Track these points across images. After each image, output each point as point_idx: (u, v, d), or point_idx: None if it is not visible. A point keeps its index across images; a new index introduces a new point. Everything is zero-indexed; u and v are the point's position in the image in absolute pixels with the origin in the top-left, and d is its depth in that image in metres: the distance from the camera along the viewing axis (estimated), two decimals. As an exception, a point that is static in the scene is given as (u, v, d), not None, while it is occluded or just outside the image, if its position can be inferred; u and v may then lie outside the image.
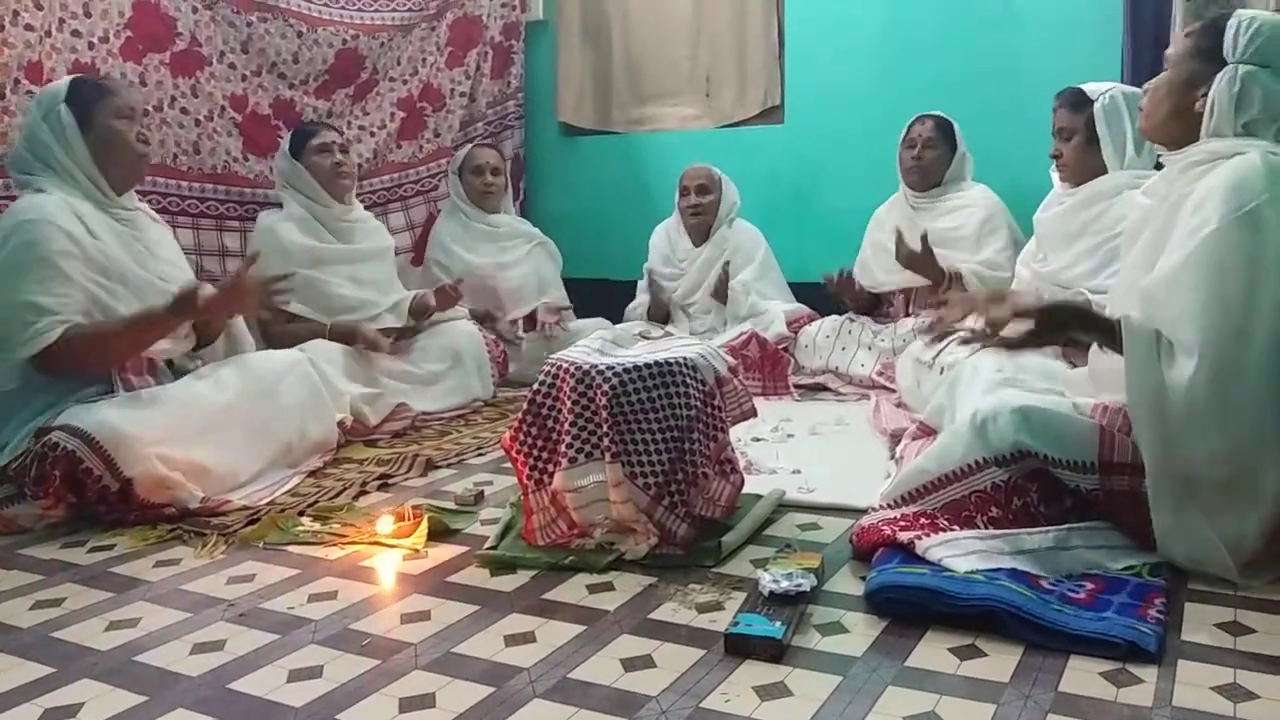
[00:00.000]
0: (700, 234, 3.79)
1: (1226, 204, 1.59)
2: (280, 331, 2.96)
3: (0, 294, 2.12)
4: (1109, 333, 1.68)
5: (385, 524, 1.98)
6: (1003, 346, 1.76)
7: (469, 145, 3.88)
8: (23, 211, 2.18)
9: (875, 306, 3.55)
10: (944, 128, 3.33)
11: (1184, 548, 1.61)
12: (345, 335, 3.01)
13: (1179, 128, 1.76)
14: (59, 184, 2.25)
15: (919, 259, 3.11)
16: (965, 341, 1.87)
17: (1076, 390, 1.93)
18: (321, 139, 3.12)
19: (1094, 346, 1.79)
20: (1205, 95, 1.70)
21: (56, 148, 2.26)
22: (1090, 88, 2.49)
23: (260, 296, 2.39)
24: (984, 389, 1.98)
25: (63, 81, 2.35)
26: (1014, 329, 1.73)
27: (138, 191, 2.75)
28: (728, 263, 3.68)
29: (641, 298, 3.87)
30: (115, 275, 2.25)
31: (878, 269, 3.44)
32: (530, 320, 3.73)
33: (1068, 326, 1.75)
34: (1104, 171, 2.45)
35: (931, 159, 3.32)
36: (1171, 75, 1.77)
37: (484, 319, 3.55)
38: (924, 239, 3.09)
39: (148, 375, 2.34)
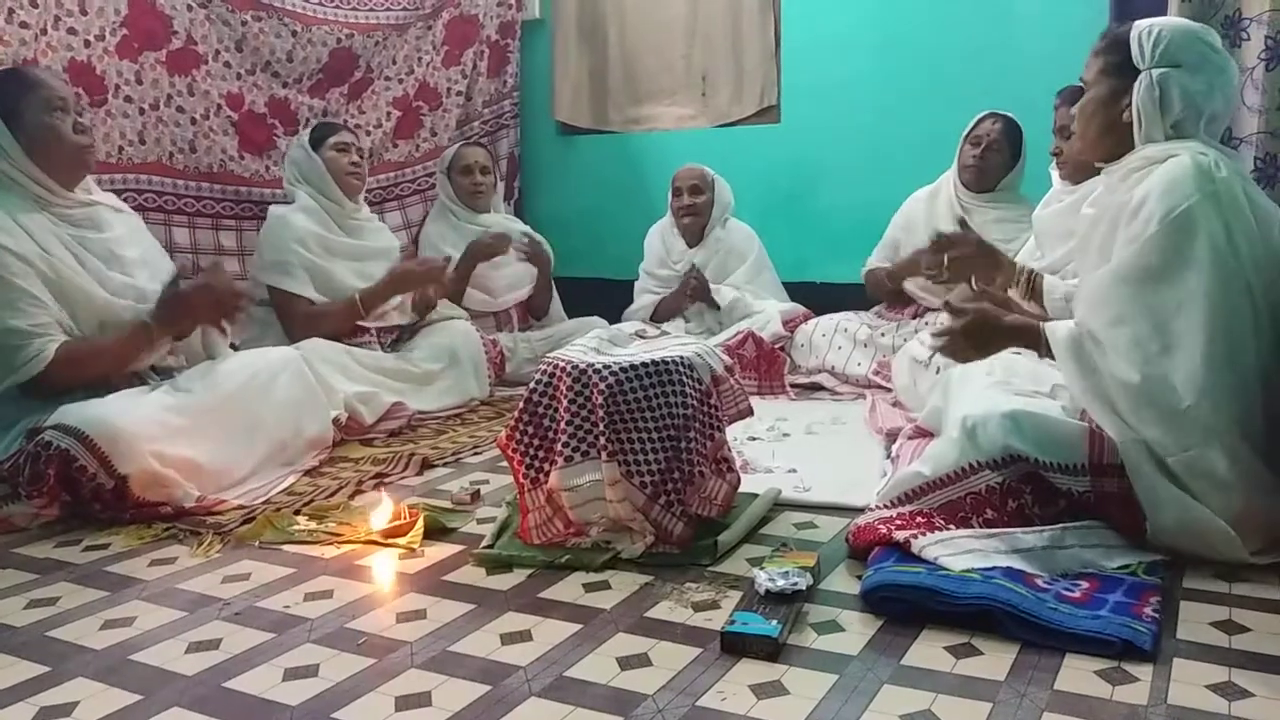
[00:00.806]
0: (694, 235, 3.79)
1: (1159, 207, 1.64)
2: (307, 313, 2.96)
3: None
4: (1038, 341, 1.77)
5: (380, 516, 1.98)
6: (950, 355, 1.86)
7: (456, 145, 3.87)
8: None
9: (900, 296, 3.44)
10: (1011, 133, 3.21)
11: (1174, 518, 1.63)
12: (387, 287, 3.03)
13: (1112, 142, 1.82)
14: (0, 194, 2.18)
15: (975, 261, 2.36)
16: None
17: (1065, 393, 1.93)
18: (341, 138, 3.13)
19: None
20: (1129, 106, 1.76)
21: None
22: None
23: (222, 303, 2.34)
24: (975, 393, 1.98)
25: None
26: (946, 329, 1.84)
27: (128, 190, 2.76)
28: (693, 265, 3.66)
29: (643, 299, 3.85)
30: (68, 290, 2.19)
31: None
32: (522, 313, 3.74)
33: (993, 340, 1.84)
34: None
35: (995, 162, 3.20)
36: (1093, 94, 1.84)
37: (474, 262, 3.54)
38: (963, 224, 2.50)
39: (133, 380, 2.32)
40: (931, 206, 3.37)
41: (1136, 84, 1.75)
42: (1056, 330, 1.75)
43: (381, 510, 1.99)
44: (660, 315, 3.71)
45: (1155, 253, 1.65)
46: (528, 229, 3.89)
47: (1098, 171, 2.43)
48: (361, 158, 3.19)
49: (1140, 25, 1.77)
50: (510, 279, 3.72)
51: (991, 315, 1.84)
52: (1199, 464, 1.61)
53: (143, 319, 2.25)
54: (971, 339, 1.82)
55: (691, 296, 3.67)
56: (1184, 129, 1.74)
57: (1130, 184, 1.75)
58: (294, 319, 2.97)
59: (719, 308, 3.63)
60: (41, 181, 2.23)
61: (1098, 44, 1.85)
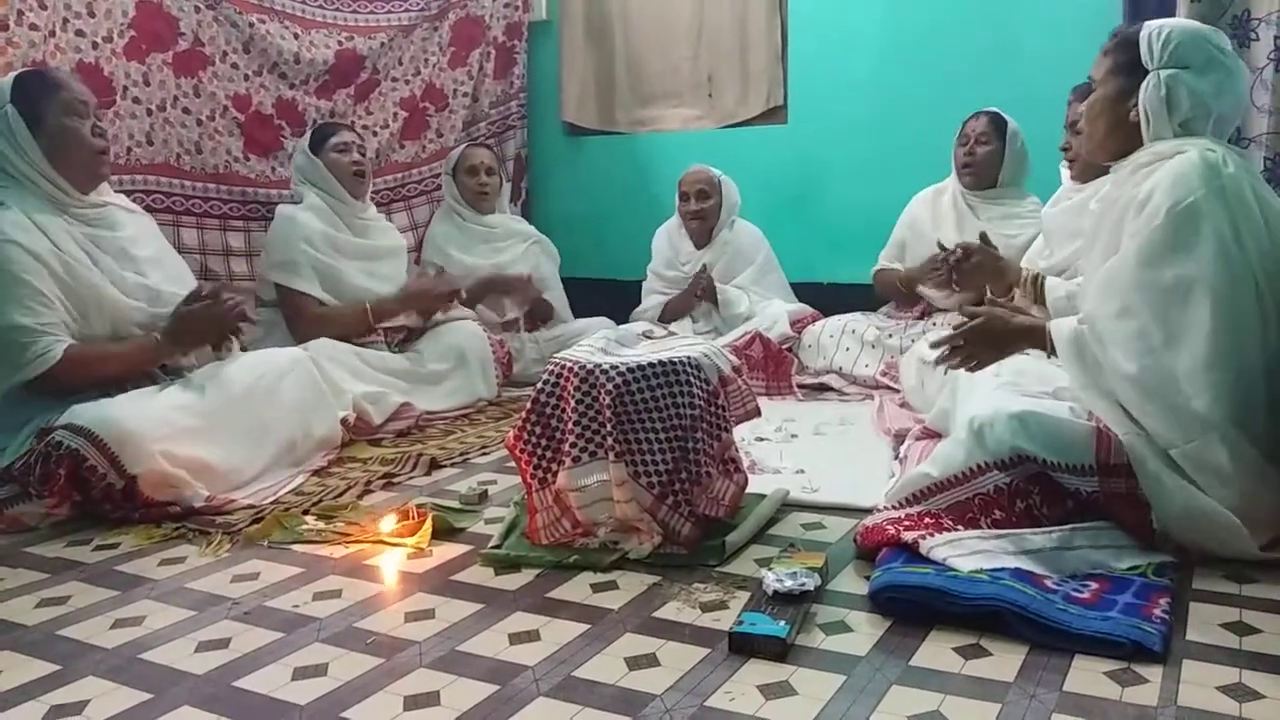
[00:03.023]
0: (701, 237, 3.79)
1: (1165, 201, 1.65)
2: (315, 314, 2.97)
3: None
4: (1044, 340, 1.78)
5: (388, 522, 1.98)
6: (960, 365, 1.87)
7: (461, 146, 3.87)
8: None
9: (910, 298, 3.42)
10: (999, 124, 3.22)
11: (1180, 509, 1.63)
12: (400, 304, 3.09)
13: (1119, 141, 1.83)
14: (17, 192, 2.20)
15: (983, 270, 2.55)
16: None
17: (1073, 394, 1.93)
18: (341, 138, 3.15)
19: None
20: (1136, 105, 1.77)
21: (9, 151, 2.19)
22: None
23: (222, 321, 2.35)
24: (982, 393, 1.98)
25: (6, 80, 2.25)
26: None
27: (136, 191, 2.77)
28: (704, 265, 3.66)
29: (651, 299, 3.84)
30: (82, 290, 2.21)
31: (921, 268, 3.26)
32: (530, 320, 3.75)
33: (1005, 342, 1.85)
34: None
35: (985, 155, 3.21)
36: (1100, 93, 1.85)
37: (486, 292, 3.54)
38: (984, 238, 2.63)
39: (143, 380, 2.34)
40: (936, 206, 3.38)
41: (1144, 84, 1.75)
42: (1060, 328, 1.77)
43: (386, 519, 2.00)
44: (668, 316, 3.71)
45: (1160, 245, 1.65)
46: (535, 230, 3.90)
47: (1107, 169, 2.45)
48: (364, 156, 3.19)
49: (1150, 25, 1.78)
50: (515, 292, 3.72)
51: (1000, 317, 1.86)
52: (1201, 456, 1.62)
53: (153, 335, 2.29)
54: (982, 343, 1.84)
55: (700, 296, 3.67)
56: (1192, 128, 1.74)
57: (1138, 179, 1.75)
58: (301, 318, 2.97)
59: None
60: (57, 183, 2.25)
61: (1107, 43, 1.87)
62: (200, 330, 2.34)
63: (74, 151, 2.25)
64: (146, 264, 2.40)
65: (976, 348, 1.85)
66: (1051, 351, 1.80)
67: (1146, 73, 1.76)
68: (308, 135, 3.21)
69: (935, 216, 3.34)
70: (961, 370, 2.16)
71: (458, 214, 3.75)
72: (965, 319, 1.87)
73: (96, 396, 2.18)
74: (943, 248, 2.65)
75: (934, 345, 1.90)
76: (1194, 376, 1.61)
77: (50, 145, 2.22)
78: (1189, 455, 1.63)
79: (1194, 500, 1.62)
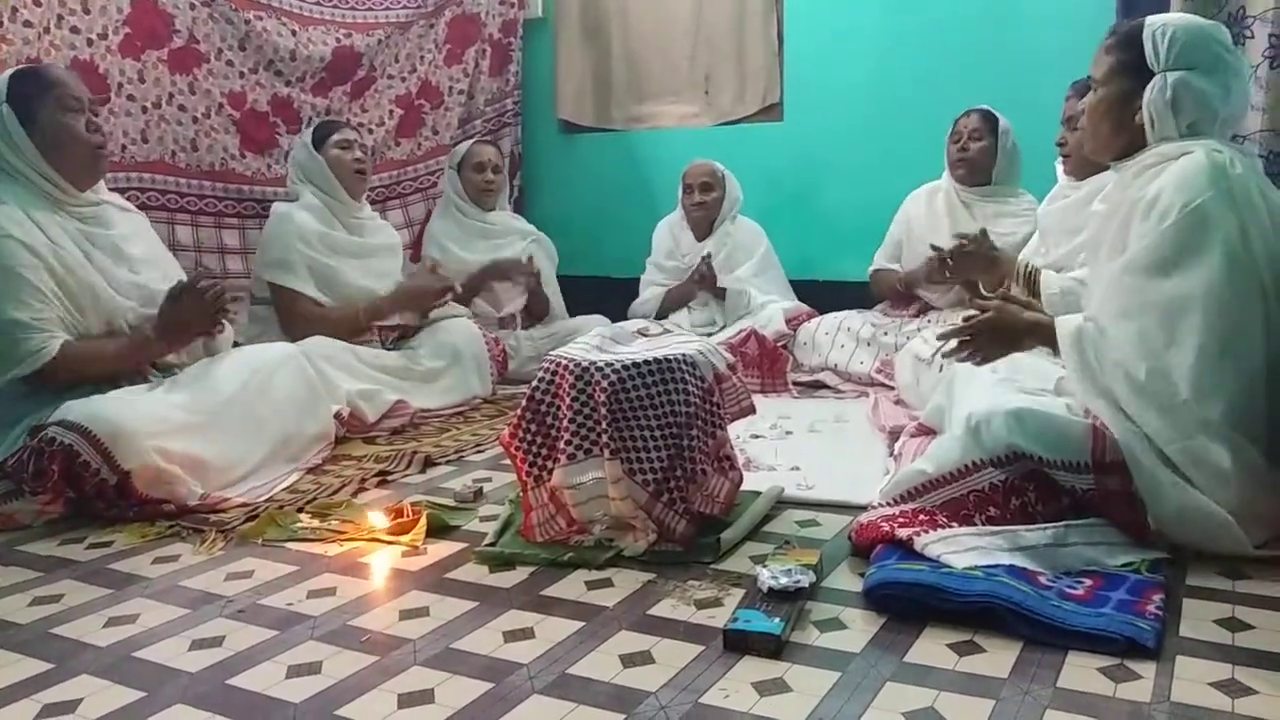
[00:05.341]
0: (703, 229, 3.80)
1: (1173, 203, 1.65)
2: (308, 314, 2.97)
3: None
4: (1053, 336, 1.77)
5: (380, 518, 1.98)
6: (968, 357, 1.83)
7: (468, 141, 3.87)
8: None
9: (905, 296, 3.46)
10: (990, 121, 3.24)
11: (1174, 508, 1.63)
12: (393, 305, 3.10)
13: (1123, 142, 1.81)
14: (13, 189, 2.20)
15: (977, 260, 2.59)
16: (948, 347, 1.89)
17: (1069, 391, 1.93)
18: (344, 135, 3.14)
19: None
20: (1140, 107, 1.75)
21: (4, 149, 2.19)
22: None
23: (206, 309, 2.30)
24: (979, 390, 1.98)
25: (1, 79, 2.25)
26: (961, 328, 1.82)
27: (131, 189, 2.77)
28: (708, 255, 3.65)
29: (649, 291, 3.84)
30: (77, 286, 2.21)
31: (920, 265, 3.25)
32: (526, 314, 3.75)
33: (1014, 336, 1.81)
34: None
35: (978, 150, 3.22)
36: (1104, 94, 1.82)
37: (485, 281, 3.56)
38: (983, 233, 2.64)
39: (135, 378, 2.33)
40: (931, 204, 3.40)
41: (1150, 86, 1.73)
42: (1064, 324, 1.76)
43: (379, 515, 2.00)
44: (669, 304, 3.71)
45: (1167, 247, 1.64)
46: (534, 229, 3.89)
47: (1104, 167, 2.45)
48: (365, 154, 3.19)
49: (1153, 23, 1.75)
50: (515, 290, 3.72)
51: (1011, 311, 1.83)
52: (1198, 454, 1.62)
53: (145, 332, 2.28)
54: (992, 336, 1.81)
55: (700, 284, 3.67)
56: (1198, 129, 1.72)
57: (1144, 180, 1.74)
58: (294, 318, 2.97)
59: (723, 298, 3.64)
60: (54, 180, 2.24)
61: (1108, 40, 1.83)
62: (186, 323, 2.31)
63: (69, 147, 2.24)
64: (140, 263, 2.39)
65: (985, 341, 1.81)
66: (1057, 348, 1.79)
67: (1150, 74, 1.73)
68: (309, 131, 3.19)
69: (930, 214, 3.35)
70: (958, 366, 2.17)
71: (459, 209, 3.75)
72: (974, 312, 1.83)
73: (90, 392, 2.18)
74: (935, 249, 2.68)
75: (942, 336, 1.86)
76: (1190, 377, 1.60)
77: (45, 142, 2.22)
78: (1186, 452, 1.62)
79: (1189, 499, 1.62)
